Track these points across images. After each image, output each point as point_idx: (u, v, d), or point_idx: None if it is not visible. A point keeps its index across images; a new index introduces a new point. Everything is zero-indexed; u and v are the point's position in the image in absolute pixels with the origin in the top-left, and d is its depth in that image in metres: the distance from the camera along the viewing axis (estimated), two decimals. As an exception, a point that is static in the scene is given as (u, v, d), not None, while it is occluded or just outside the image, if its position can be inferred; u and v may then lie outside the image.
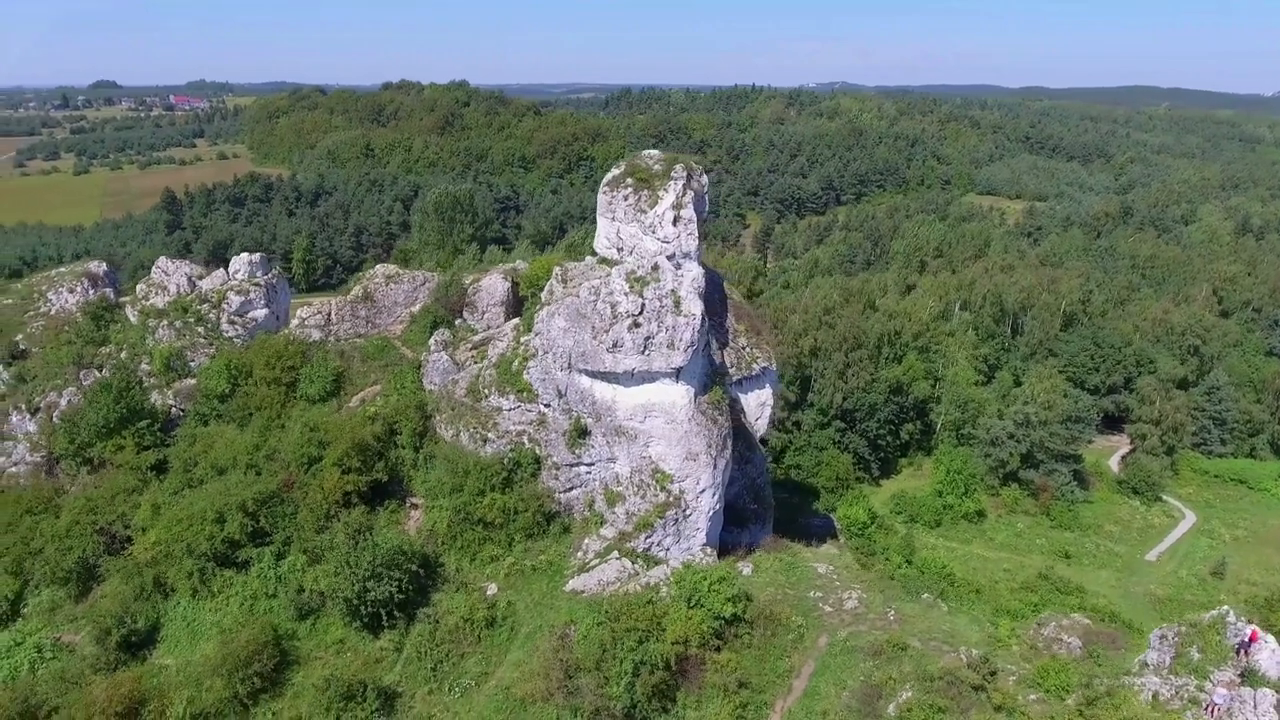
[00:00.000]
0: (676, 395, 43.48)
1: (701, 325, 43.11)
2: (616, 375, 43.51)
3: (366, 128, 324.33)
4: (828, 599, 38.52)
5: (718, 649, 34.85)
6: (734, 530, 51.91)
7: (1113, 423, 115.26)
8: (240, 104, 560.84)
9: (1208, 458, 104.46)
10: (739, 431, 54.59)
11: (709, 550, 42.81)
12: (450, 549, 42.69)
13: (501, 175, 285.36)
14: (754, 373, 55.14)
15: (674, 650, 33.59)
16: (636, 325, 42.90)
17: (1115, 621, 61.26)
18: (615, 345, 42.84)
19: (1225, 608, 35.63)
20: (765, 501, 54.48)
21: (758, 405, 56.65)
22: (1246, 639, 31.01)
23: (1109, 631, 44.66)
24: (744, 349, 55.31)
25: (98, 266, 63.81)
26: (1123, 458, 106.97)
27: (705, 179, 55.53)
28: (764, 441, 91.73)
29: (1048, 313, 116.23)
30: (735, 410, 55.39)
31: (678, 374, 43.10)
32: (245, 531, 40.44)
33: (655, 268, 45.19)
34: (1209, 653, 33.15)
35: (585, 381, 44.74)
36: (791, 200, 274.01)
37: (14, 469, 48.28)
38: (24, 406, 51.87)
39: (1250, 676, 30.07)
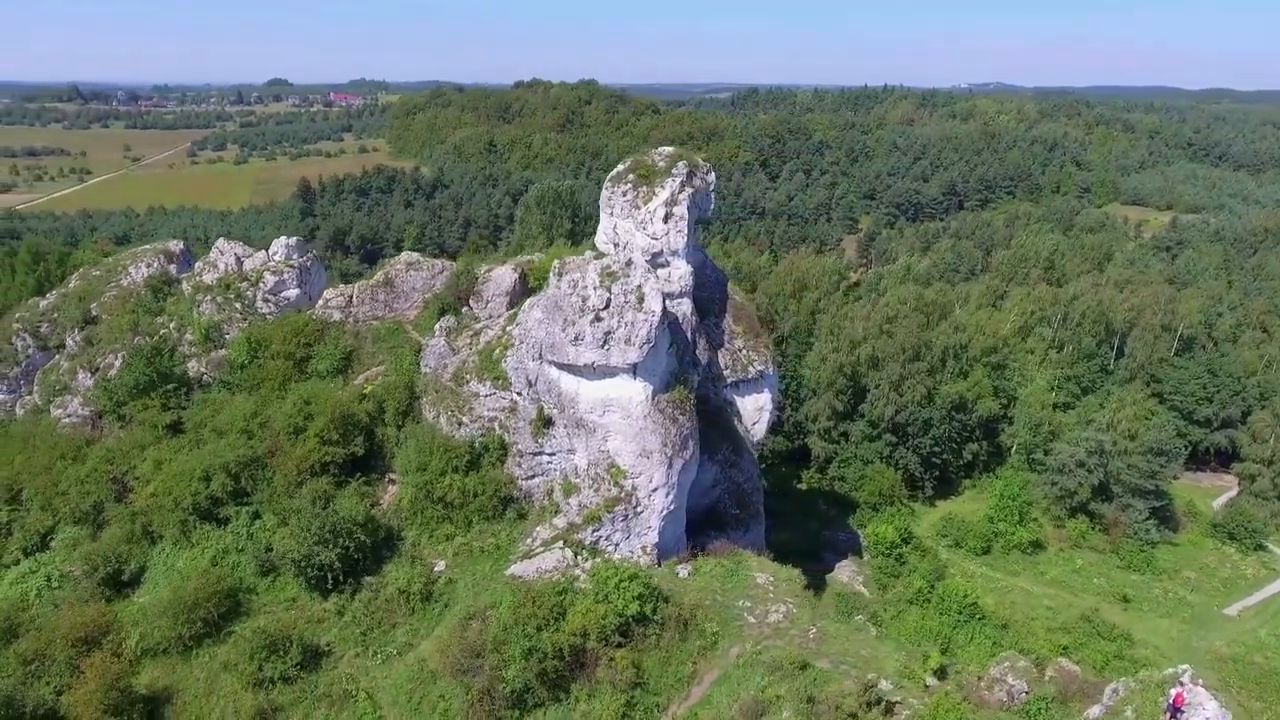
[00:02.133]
0: (633, 391, 43.44)
1: (660, 323, 42.79)
2: (579, 368, 44.01)
3: (492, 124, 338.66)
4: (754, 609, 37.49)
5: (620, 645, 34.73)
6: (712, 534, 51.15)
7: (1227, 460, 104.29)
8: (389, 101, 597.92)
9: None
10: (727, 434, 53.83)
11: (649, 549, 42.48)
12: (412, 524, 44.61)
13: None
14: (750, 376, 54.21)
15: (569, 641, 33.80)
16: (598, 319, 43.21)
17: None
18: (577, 338, 43.34)
19: (1184, 667, 31.97)
20: (750, 508, 53.34)
21: (755, 410, 55.64)
22: (1172, 702, 27.74)
23: (1095, 683, 40.80)
24: (740, 351, 54.46)
25: (175, 245, 70.51)
26: (1230, 499, 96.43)
27: (712, 177, 55.02)
28: (807, 453, 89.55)
29: (1150, 334, 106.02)
30: (729, 414, 54.74)
31: (634, 370, 43.03)
32: (227, 490, 43.97)
33: (629, 263, 45.28)
34: (1143, 713, 29.96)
35: (554, 372, 45.46)
36: (908, 205, 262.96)
37: (67, 420, 54.53)
38: (87, 367, 58.50)
39: (1170, 743, 26.93)
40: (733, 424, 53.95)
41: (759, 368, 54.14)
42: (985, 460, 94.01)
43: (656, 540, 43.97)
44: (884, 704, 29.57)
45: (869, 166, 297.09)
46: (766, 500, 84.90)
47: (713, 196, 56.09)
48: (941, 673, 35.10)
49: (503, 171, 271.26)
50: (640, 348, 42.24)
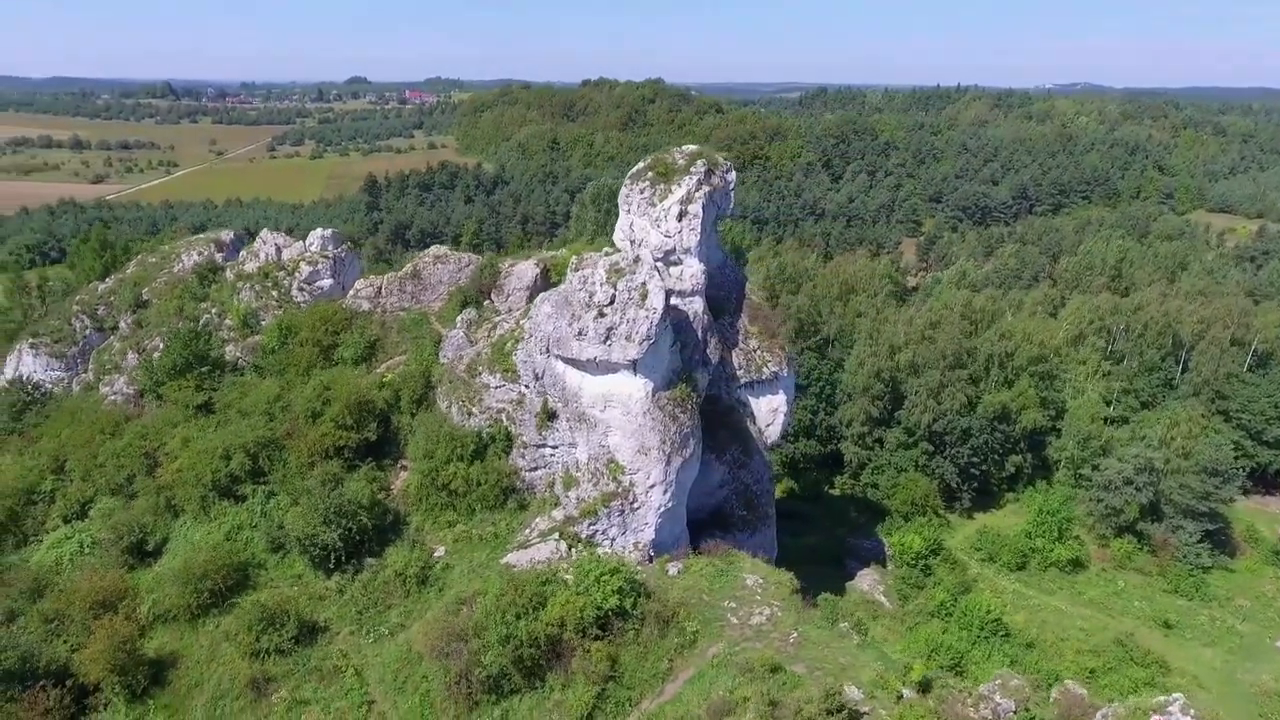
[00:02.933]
0: (633, 387, 43.61)
1: (661, 320, 42.83)
2: (583, 362, 44.41)
3: (556, 122, 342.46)
4: (739, 610, 37.24)
5: (598, 638, 34.99)
6: (717, 534, 51.00)
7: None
8: (461, 99, 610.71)
9: None
10: (737, 435, 53.52)
11: (642, 545, 42.60)
12: (417, 510, 45.78)
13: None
14: (764, 377, 53.80)
15: (546, 630, 34.25)
16: (601, 315, 43.57)
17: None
18: (581, 333, 43.78)
19: (1176, 695, 30.48)
20: (759, 510, 52.84)
21: (769, 411, 55.18)
22: (1151, 728, 26.48)
23: (1095, 705, 39.12)
24: (754, 351, 54.06)
25: (226, 235, 74.01)
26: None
27: (732, 176, 54.94)
28: (840, 458, 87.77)
29: (1217, 348, 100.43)
30: (741, 414, 54.39)
31: (634, 366, 43.17)
32: (245, 469, 45.92)
33: (636, 260, 45.45)
34: (1125, 738, 28.69)
35: (559, 366, 45.98)
36: (975, 208, 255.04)
37: (113, 397, 57.86)
38: (135, 348, 61.85)
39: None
40: (744, 425, 53.59)
41: (773, 369, 53.63)
42: (1030, 473, 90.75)
43: (653, 537, 44.04)
44: (846, 711, 29.05)
45: (936, 168, 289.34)
46: (796, 504, 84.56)
47: (733, 195, 55.86)
48: (926, 686, 34.22)
49: (563, 169, 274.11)
50: (640, 344, 42.37)
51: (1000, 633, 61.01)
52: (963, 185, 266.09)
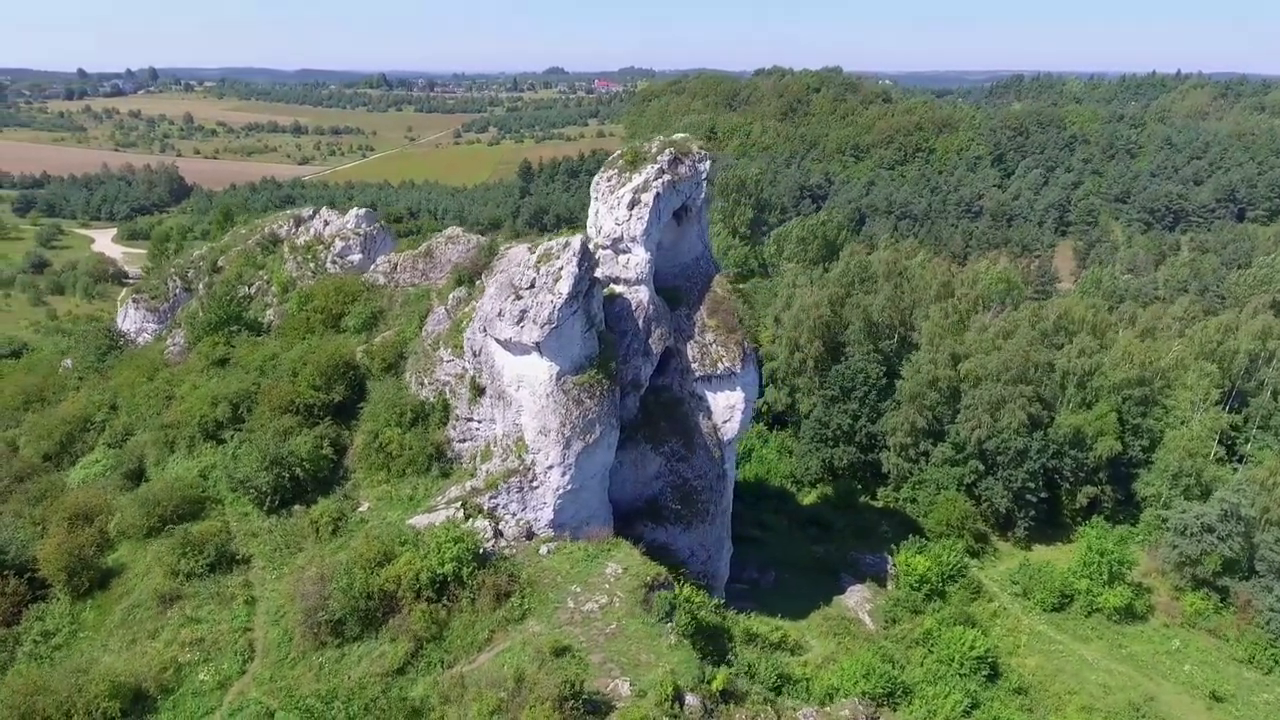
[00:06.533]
0: (539, 370, 44.88)
1: (566, 305, 43.67)
2: (503, 342, 46.24)
3: (717, 111, 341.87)
4: (580, 596, 37.65)
5: (432, 601, 36.97)
6: (650, 526, 51.50)
7: None
8: (644, 88, 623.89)
9: None
10: (680, 428, 53.23)
11: (524, 523, 43.85)
12: (359, 468, 49.87)
13: (829, 163, 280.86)
14: (719, 372, 53.17)
15: (382, 586, 36.74)
16: (518, 298, 45.20)
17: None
18: (502, 314, 45.70)
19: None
20: (696, 507, 52.26)
21: (726, 408, 54.40)
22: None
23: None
24: (710, 345, 53.44)
25: (306, 211, 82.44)
26: None
27: (704, 166, 54.96)
28: (878, 467, 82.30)
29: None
30: (689, 407, 53.90)
31: (539, 348, 44.33)
32: (227, 417, 52.10)
33: (565, 245, 46.55)
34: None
35: (491, 345, 48.07)
36: (1166, 211, 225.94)
37: (171, 348, 67.05)
38: (203, 307, 71.11)
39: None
40: (691, 419, 53.05)
41: (727, 365, 52.66)
42: (1110, 508, 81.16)
43: (552, 516, 45.18)
44: (582, 701, 29.01)
45: (1129, 165, 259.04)
46: (825, 511, 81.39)
47: (704, 185, 55.58)
48: (735, 697, 33.18)
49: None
50: (542, 327, 43.54)
51: (983, 672, 55.99)
52: (1155, 184, 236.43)
